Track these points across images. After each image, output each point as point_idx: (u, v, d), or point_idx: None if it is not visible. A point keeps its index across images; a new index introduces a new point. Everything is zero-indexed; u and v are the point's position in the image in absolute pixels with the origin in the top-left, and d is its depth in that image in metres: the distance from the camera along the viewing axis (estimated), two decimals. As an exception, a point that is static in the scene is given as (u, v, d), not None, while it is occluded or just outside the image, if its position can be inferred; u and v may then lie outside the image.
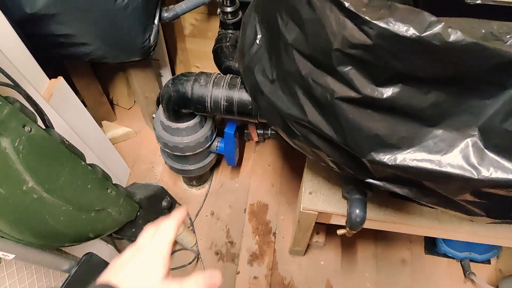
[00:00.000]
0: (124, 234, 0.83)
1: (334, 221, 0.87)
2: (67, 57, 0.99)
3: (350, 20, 0.47)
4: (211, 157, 1.10)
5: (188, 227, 1.17)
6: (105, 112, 1.36)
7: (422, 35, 0.44)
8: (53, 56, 0.97)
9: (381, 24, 0.45)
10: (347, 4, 0.46)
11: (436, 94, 0.51)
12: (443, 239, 1.11)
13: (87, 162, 0.67)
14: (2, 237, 0.56)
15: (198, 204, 1.24)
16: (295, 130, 0.67)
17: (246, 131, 1.21)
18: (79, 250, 0.76)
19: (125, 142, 1.37)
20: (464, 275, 1.11)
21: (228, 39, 0.98)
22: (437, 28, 0.43)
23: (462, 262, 1.12)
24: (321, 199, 0.85)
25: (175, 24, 1.23)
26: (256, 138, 1.20)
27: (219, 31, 1.02)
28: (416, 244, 1.17)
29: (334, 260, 1.13)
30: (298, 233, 0.98)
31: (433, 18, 0.44)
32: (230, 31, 1.00)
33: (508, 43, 0.45)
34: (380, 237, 1.17)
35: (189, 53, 1.35)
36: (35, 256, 0.62)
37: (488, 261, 1.16)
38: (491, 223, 0.74)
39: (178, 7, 0.99)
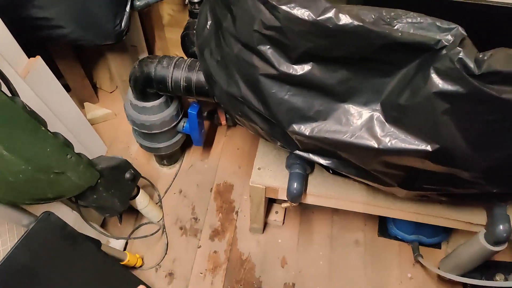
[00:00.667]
0: (86, 199, 0.90)
1: (281, 196, 0.95)
2: (47, 39, 1.07)
3: (263, 5, 0.55)
4: (178, 137, 1.17)
5: (156, 203, 1.25)
6: (88, 94, 1.44)
7: (317, 18, 0.51)
8: (34, 38, 1.05)
9: (285, 8, 0.53)
10: (259, -9, 0.54)
11: (343, 73, 0.59)
12: (393, 222, 1.18)
13: (54, 131, 0.75)
14: (-34, 187, 0.64)
15: (168, 182, 1.32)
16: (235, 106, 0.75)
17: (215, 115, 1.29)
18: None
19: (105, 123, 1.45)
20: (414, 258, 1.18)
21: (194, 28, 1.06)
22: (330, 13, 0.51)
23: (412, 245, 1.19)
24: (268, 174, 0.93)
25: (153, 14, 1.31)
26: (224, 122, 1.28)
27: (188, 20, 1.10)
28: (370, 227, 1.24)
29: (291, 239, 1.21)
30: (253, 209, 1.06)
31: (328, 4, 0.51)
32: (196, 20, 1.07)
33: (396, 27, 0.53)
34: (337, 219, 1.25)
35: (169, 42, 1.43)
36: (-4, 208, 0.70)
37: (438, 245, 1.23)
38: (415, 196, 0.81)
39: (150, -4, 1.07)
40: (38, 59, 1.00)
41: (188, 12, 1.11)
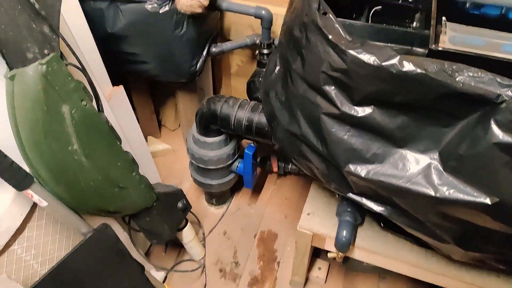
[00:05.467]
0: (138, 220, 0.95)
1: (328, 246, 0.94)
2: (130, 72, 1.21)
3: (332, 49, 0.60)
4: (231, 176, 1.22)
5: (200, 241, 1.27)
6: (152, 129, 1.56)
7: (382, 63, 0.56)
8: (119, 70, 1.19)
9: (353, 53, 0.58)
10: (330, 37, 0.60)
11: (402, 118, 0.61)
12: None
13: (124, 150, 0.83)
14: (41, 184, 0.71)
15: (214, 222, 1.35)
16: (294, 145, 0.78)
17: (268, 161, 1.33)
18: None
19: (163, 158, 1.55)
20: None
21: (260, 76, 1.15)
22: (394, 60, 0.55)
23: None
24: (317, 220, 0.93)
25: (223, 62, 1.43)
26: (276, 169, 1.32)
27: (255, 69, 1.20)
28: (417, 299, 1.16)
29: (331, 297, 1.16)
30: (296, 258, 1.04)
31: (393, 52, 0.56)
32: (264, 69, 1.16)
33: (457, 79, 0.55)
34: (383, 285, 1.18)
35: (233, 89, 1.54)
36: (62, 210, 0.75)
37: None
38: (471, 260, 0.76)
39: (225, 45, 1.19)
40: (121, 88, 1.12)
41: (256, 62, 1.21)
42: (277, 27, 1.15)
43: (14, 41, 0.61)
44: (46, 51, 0.64)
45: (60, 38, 0.66)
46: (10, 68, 0.63)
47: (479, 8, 0.83)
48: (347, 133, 0.65)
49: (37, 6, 0.61)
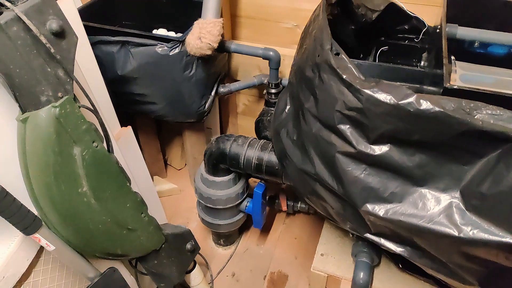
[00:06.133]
0: (146, 263, 0.92)
1: (343, 289, 0.90)
2: (138, 112, 1.21)
3: (347, 88, 0.60)
4: (239, 216, 1.19)
5: (208, 283, 1.22)
6: (158, 168, 1.55)
7: (399, 102, 0.55)
8: (128, 110, 1.20)
9: (368, 92, 0.57)
10: (344, 77, 0.60)
11: (421, 157, 0.60)
12: None
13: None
14: (49, 228, 0.70)
15: (221, 263, 1.30)
16: (307, 184, 0.77)
17: (277, 200, 1.30)
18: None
19: (169, 197, 1.53)
20: None
21: (269, 115, 1.15)
22: (411, 98, 0.55)
23: None
24: (332, 261, 0.90)
25: (230, 102, 1.45)
26: (285, 208, 1.29)
27: (263, 108, 1.21)
28: None
29: None
30: (309, 301, 1.00)
31: (409, 91, 0.55)
32: (271, 109, 1.17)
33: (476, 117, 0.55)
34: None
35: (240, 128, 1.55)
36: (69, 254, 0.73)
37: None
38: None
39: (233, 85, 1.21)
40: (129, 128, 1.12)
41: (263, 101, 1.22)
42: (284, 67, 1.17)
43: (28, 85, 0.61)
44: (60, 94, 0.64)
45: (74, 81, 0.67)
46: (23, 111, 0.63)
47: (485, 47, 0.85)
48: (364, 172, 0.64)
49: (52, 50, 0.61)
